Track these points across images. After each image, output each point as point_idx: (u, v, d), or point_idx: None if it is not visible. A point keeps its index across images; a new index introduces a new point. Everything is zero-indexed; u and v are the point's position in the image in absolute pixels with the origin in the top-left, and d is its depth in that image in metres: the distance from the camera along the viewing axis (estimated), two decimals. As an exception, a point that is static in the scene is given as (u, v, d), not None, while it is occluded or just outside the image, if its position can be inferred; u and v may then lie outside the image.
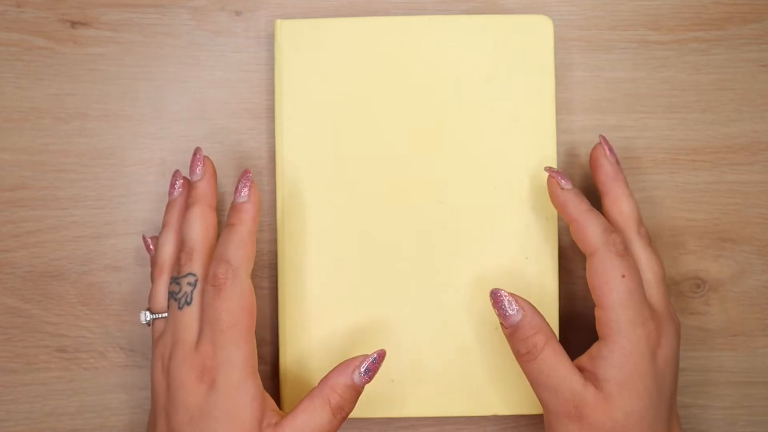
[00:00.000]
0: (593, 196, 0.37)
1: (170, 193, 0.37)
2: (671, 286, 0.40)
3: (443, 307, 0.37)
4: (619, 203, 0.35)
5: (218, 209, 0.37)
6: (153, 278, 0.36)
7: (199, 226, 0.35)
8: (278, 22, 0.38)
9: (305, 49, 0.38)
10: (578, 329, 0.39)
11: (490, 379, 0.37)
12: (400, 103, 0.38)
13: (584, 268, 0.34)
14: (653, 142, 0.40)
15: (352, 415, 0.35)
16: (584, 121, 0.40)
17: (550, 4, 0.40)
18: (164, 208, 0.39)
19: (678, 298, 0.40)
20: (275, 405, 0.33)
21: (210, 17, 0.40)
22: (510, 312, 0.33)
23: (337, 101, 0.38)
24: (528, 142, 0.37)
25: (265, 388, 0.33)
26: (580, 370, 0.33)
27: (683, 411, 0.40)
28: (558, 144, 0.38)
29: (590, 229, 0.33)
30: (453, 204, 0.37)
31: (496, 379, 0.37)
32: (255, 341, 0.33)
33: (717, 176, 0.40)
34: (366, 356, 0.33)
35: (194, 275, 0.34)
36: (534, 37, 0.38)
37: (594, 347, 0.33)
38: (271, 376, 0.39)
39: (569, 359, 0.33)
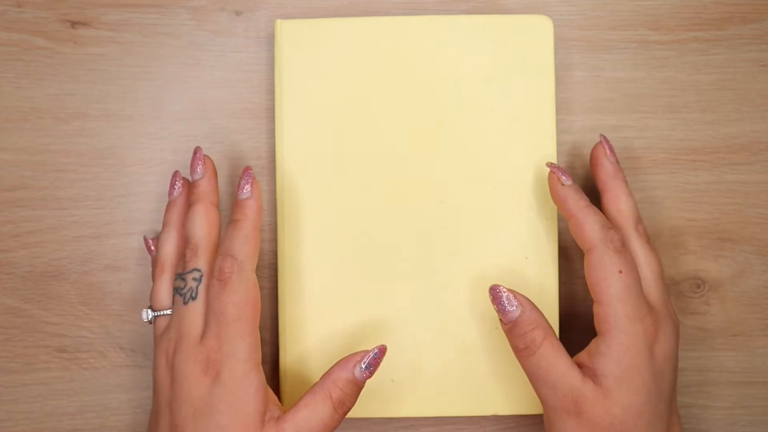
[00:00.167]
0: (594, 195, 0.37)
1: (170, 193, 0.37)
2: (671, 286, 0.40)
3: (443, 307, 0.37)
4: (618, 201, 0.36)
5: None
6: (154, 276, 0.36)
7: (203, 222, 0.35)
8: (278, 22, 0.38)
9: (305, 49, 0.38)
10: (578, 329, 0.39)
11: (490, 379, 0.37)
12: (400, 103, 0.38)
13: (584, 268, 0.34)
14: (653, 142, 0.40)
15: (352, 414, 0.35)
16: (584, 121, 0.40)
17: (550, 4, 0.40)
18: (164, 208, 0.39)
19: (678, 298, 0.40)
20: (277, 399, 0.34)
21: (210, 17, 0.40)
22: (509, 308, 0.33)
23: (337, 101, 0.38)
24: (528, 142, 0.38)
25: (265, 387, 0.33)
26: (579, 366, 0.33)
27: (683, 411, 0.40)
28: (558, 144, 0.38)
29: (588, 225, 0.34)
30: (453, 204, 0.37)
31: (496, 379, 0.37)
32: (259, 335, 0.33)
33: (717, 176, 0.40)
34: (367, 351, 0.34)
35: (199, 271, 0.34)
36: (534, 37, 0.38)
37: (592, 343, 0.33)
38: (271, 375, 0.39)
39: (568, 355, 0.33)
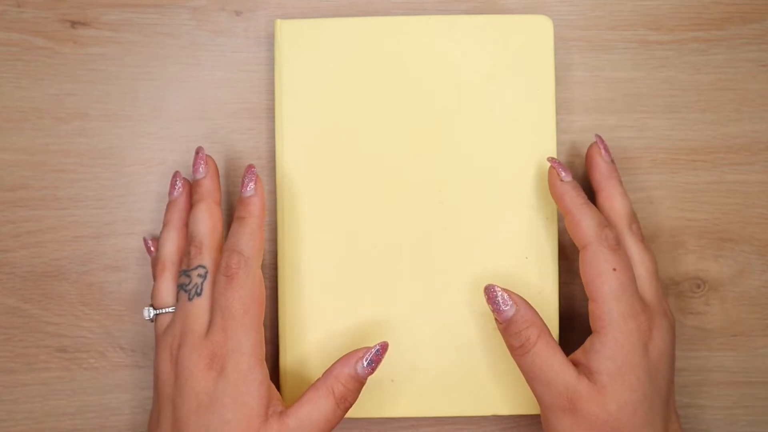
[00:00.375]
0: (592, 193, 0.37)
1: (170, 193, 0.37)
2: (671, 286, 0.40)
3: (443, 307, 0.37)
4: (612, 200, 0.36)
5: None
6: (155, 275, 0.36)
7: (207, 220, 0.35)
8: (278, 22, 0.38)
9: (305, 49, 0.38)
10: (578, 329, 0.39)
11: (490, 379, 0.37)
12: (400, 103, 0.38)
13: (579, 265, 0.34)
14: (653, 142, 0.40)
15: (352, 414, 0.35)
16: (584, 121, 0.40)
17: (550, 4, 0.40)
18: (164, 207, 0.39)
19: (678, 298, 0.40)
20: (279, 395, 0.34)
21: (210, 17, 0.40)
22: (503, 307, 0.33)
23: (337, 101, 0.38)
24: (528, 142, 0.38)
25: (266, 387, 0.33)
26: (575, 364, 0.33)
27: (683, 411, 0.40)
28: (558, 144, 0.38)
29: (584, 222, 0.34)
30: (453, 204, 0.37)
31: (496, 379, 0.37)
32: (263, 331, 0.34)
33: (717, 176, 0.40)
34: (369, 348, 0.34)
35: (204, 267, 0.34)
36: (534, 37, 0.38)
37: (587, 341, 0.34)
38: (272, 375, 0.39)
39: (563, 353, 0.33)
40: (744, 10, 0.40)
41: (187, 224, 0.37)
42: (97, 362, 0.40)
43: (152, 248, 0.38)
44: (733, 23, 0.40)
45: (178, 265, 0.36)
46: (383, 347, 0.34)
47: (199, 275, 0.34)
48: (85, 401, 0.40)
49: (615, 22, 0.40)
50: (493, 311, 0.34)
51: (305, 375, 0.37)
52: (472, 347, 0.37)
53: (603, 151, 0.37)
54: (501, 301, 0.34)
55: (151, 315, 0.35)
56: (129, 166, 0.40)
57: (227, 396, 0.32)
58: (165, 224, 0.37)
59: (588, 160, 0.37)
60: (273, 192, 0.39)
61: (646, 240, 0.40)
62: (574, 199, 0.35)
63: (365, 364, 0.34)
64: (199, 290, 0.34)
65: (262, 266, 0.39)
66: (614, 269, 0.33)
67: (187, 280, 0.34)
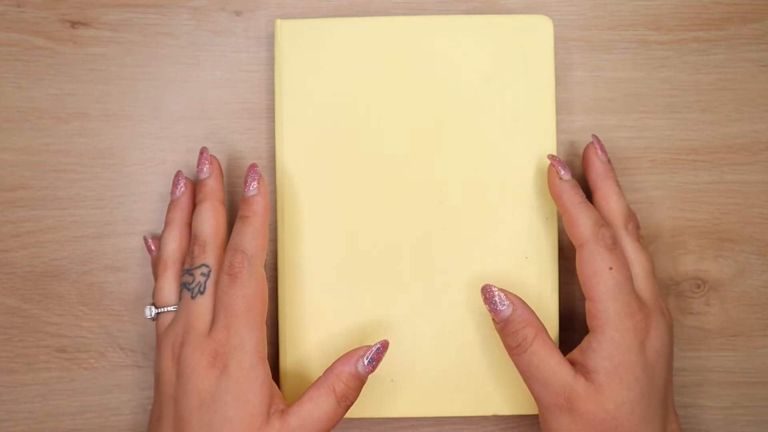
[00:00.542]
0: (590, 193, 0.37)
1: (173, 193, 0.37)
2: (671, 286, 0.40)
3: (443, 307, 0.37)
4: (608, 200, 0.36)
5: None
6: (157, 274, 0.36)
7: (211, 220, 0.35)
8: (278, 22, 0.38)
9: (305, 49, 0.38)
10: (578, 329, 0.39)
11: (490, 379, 0.37)
12: (400, 103, 0.38)
13: (576, 264, 0.35)
14: (653, 142, 0.40)
15: (352, 415, 0.35)
16: (584, 121, 0.40)
17: (550, 4, 0.40)
18: (164, 207, 0.39)
19: (678, 298, 0.40)
20: (281, 393, 0.34)
21: (210, 17, 0.40)
22: (500, 307, 0.34)
23: (337, 101, 0.38)
24: (528, 142, 0.38)
25: (266, 387, 0.33)
26: (572, 363, 0.33)
27: (683, 411, 0.40)
28: (558, 144, 0.38)
29: (581, 221, 0.34)
30: (453, 204, 0.37)
31: (496, 379, 0.37)
32: (266, 330, 0.34)
33: (717, 176, 0.40)
34: (369, 346, 0.34)
35: (207, 266, 0.34)
36: (534, 37, 0.38)
37: (584, 340, 0.34)
38: (272, 375, 0.39)
39: (560, 352, 0.33)
40: (744, 10, 0.40)
41: (189, 223, 0.37)
42: (97, 362, 0.40)
43: (152, 247, 0.38)
44: (733, 23, 0.40)
45: (180, 264, 0.36)
46: (384, 345, 0.34)
47: (203, 274, 0.34)
48: (85, 401, 0.40)
49: (615, 22, 0.40)
50: (490, 311, 0.34)
51: (305, 375, 0.37)
52: (472, 347, 0.37)
53: (599, 151, 0.37)
54: (498, 301, 0.34)
55: (153, 314, 0.36)
56: (129, 166, 0.40)
57: (230, 394, 0.32)
58: (167, 223, 0.37)
59: (584, 160, 0.37)
60: (273, 192, 0.39)
61: (645, 240, 0.40)
62: (572, 197, 0.35)
63: (366, 362, 0.34)
64: (202, 289, 0.34)
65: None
66: (610, 268, 0.33)
67: (190, 279, 0.34)
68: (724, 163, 0.40)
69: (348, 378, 0.33)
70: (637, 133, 0.40)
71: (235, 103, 0.40)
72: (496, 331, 0.37)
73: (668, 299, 0.40)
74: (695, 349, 0.40)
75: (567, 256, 0.40)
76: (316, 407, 0.33)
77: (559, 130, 0.39)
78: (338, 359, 0.34)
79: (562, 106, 0.40)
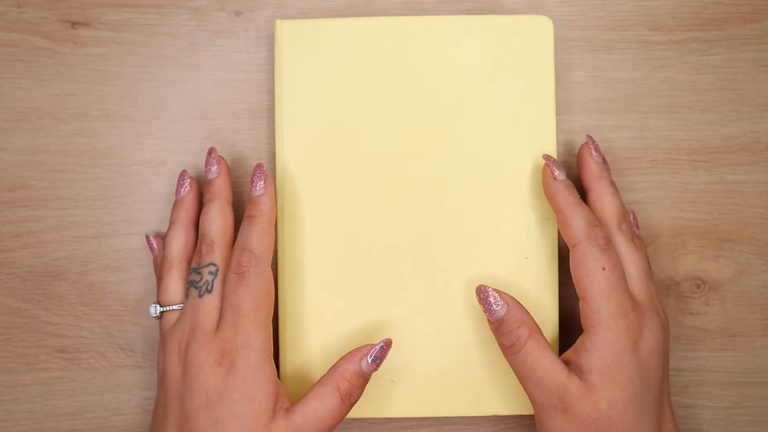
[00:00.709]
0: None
1: (177, 192, 0.38)
2: (671, 286, 0.40)
3: (443, 307, 0.37)
4: (602, 200, 0.36)
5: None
6: (162, 272, 0.36)
7: (219, 219, 0.36)
8: (278, 22, 0.38)
9: (305, 50, 0.38)
10: (578, 329, 0.39)
11: (490, 379, 0.37)
12: (400, 103, 0.38)
13: (570, 264, 0.35)
14: (653, 142, 0.40)
15: (352, 415, 0.35)
16: (584, 121, 0.40)
17: (550, 4, 0.40)
18: (165, 207, 0.39)
19: (678, 298, 0.40)
20: (285, 391, 0.34)
21: (210, 17, 0.40)
22: (495, 307, 0.34)
23: (337, 101, 0.38)
24: (528, 142, 0.38)
25: (266, 387, 0.33)
26: (566, 363, 0.34)
27: (683, 411, 0.40)
28: (558, 144, 0.38)
29: (575, 222, 0.34)
30: (453, 204, 0.37)
31: (496, 379, 0.37)
32: (272, 328, 0.34)
33: (717, 176, 0.40)
34: (373, 345, 0.34)
35: (215, 265, 0.35)
36: (534, 37, 0.38)
37: (578, 340, 0.34)
38: (271, 376, 0.39)
39: (554, 352, 0.34)
40: (744, 11, 0.40)
41: (193, 223, 0.37)
42: (97, 362, 0.40)
43: (154, 245, 0.38)
44: (733, 23, 0.40)
45: (185, 264, 0.36)
46: (387, 344, 0.35)
47: (211, 273, 0.35)
48: (85, 401, 0.40)
49: (615, 22, 0.40)
50: (485, 311, 0.35)
51: (305, 374, 0.37)
52: (472, 347, 0.37)
53: (594, 152, 0.37)
54: (492, 301, 0.34)
55: (158, 312, 0.36)
56: (129, 167, 0.40)
57: (237, 391, 0.32)
58: (172, 222, 0.37)
59: (579, 160, 0.37)
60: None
61: (644, 239, 0.40)
62: (566, 198, 0.35)
63: (370, 360, 0.34)
64: (210, 287, 0.34)
65: (262, 266, 0.39)
66: (603, 268, 0.33)
67: (198, 278, 0.35)
68: (724, 163, 0.40)
69: (352, 376, 0.34)
70: (637, 133, 0.40)
71: (235, 103, 0.40)
72: (496, 331, 0.37)
73: (668, 299, 0.40)
74: (695, 349, 0.40)
75: (567, 256, 0.40)
76: (320, 405, 0.33)
77: (559, 130, 0.39)
78: (342, 357, 0.34)
79: (562, 106, 0.40)
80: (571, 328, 0.39)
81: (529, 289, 0.37)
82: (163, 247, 0.37)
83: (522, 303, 0.36)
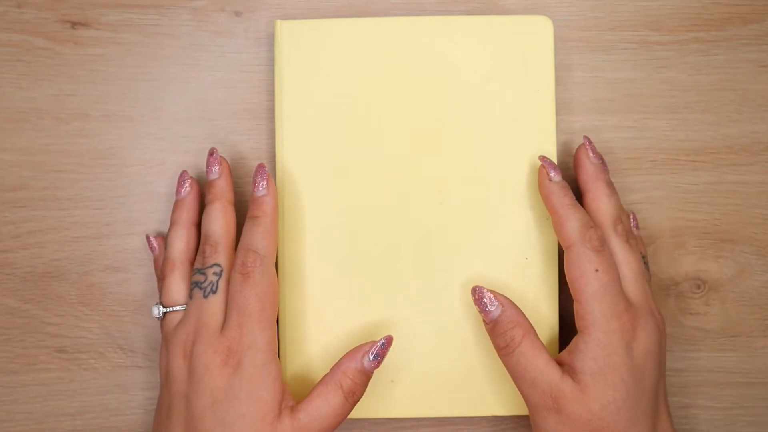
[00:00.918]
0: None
1: (178, 192, 0.38)
2: (671, 286, 0.40)
3: (443, 308, 0.37)
4: (598, 202, 0.36)
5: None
6: (164, 273, 0.36)
7: (222, 220, 0.36)
8: (278, 22, 0.38)
9: (305, 50, 0.38)
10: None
11: (490, 379, 0.37)
12: (400, 103, 0.38)
13: (564, 266, 0.35)
14: (653, 143, 0.40)
15: (352, 415, 0.35)
16: (584, 122, 0.40)
17: (550, 5, 0.40)
18: (165, 208, 0.39)
19: (678, 298, 0.40)
20: (290, 391, 0.34)
21: (210, 18, 0.40)
22: (490, 308, 0.34)
23: (337, 102, 0.38)
24: (528, 142, 0.38)
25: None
26: (560, 364, 0.34)
27: (683, 411, 0.40)
28: (558, 144, 0.38)
29: (569, 223, 0.34)
30: (453, 204, 0.37)
31: (496, 380, 0.37)
32: (276, 328, 0.34)
33: (717, 177, 0.40)
34: (374, 342, 0.35)
35: (219, 266, 0.35)
36: (534, 37, 0.38)
37: (573, 341, 0.34)
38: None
39: (548, 353, 0.34)
40: (744, 11, 0.40)
41: (195, 223, 0.37)
42: (97, 363, 0.40)
43: (155, 245, 0.38)
44: (733, 24, 0.40)
45: (187, 264, 0.36)
46: (388, 341, 0.35)
47: (215, 273, 0.35)
48: (85, 402, 0.40)
49: (615, 22, 0.40)
50: (480, 312, 0.35)
51: (306, 374, 0.37)
52: (472, 347, 0.37)
53: (590, 153, 0.37)
54: (487, 302, 0.34)
55: (161, 313, 0.36)
56: (129, 167, 0.40)
57: (243, 391, 0.32)
58: (173, 223, 0.37)
59: (575, 161, 0.37)
60: (273, 192, 0.39)
61: (644, 240, 0.40)
62: (561, 199, 0.35)
63: (371, 357, 0.34)
64: (214, 288, 0.34)
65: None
66: (597, 270, 0.33)
67: (202, 278, 0.35)
68: (724, 163, 0.40)
69: (354, 374, 0.34)
70: (637, 133, 0.40)
71: (235, 103, 0.40)
72: (495, 332, 0.37)
73: (668, 299, 0.40)
74: (695, 350, 0.40)
75: (567, 256, 0.40)
76: (324, 403, 0.33)
77: (559, 131, 0.39)
78: (344, 356, 0.34)
79: (562, 107, 0.40)
80: (571, 328, 0.39)
81: (529, 289, 0.37)
82: (165, 248, 0.37)
83: (522, 303, 0.36)
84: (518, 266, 0.37)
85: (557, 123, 0.38)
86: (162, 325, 0.36)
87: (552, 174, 0.36)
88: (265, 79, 0.40)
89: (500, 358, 0.35)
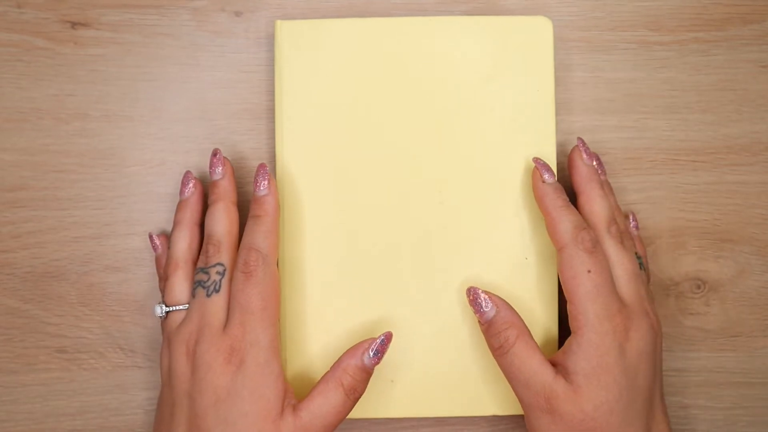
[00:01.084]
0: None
1: (182, 193, 0.38)
2: (671, 286, 0.40)
3: (443, 308, 0.37)
4: (592, 203, 0.36)
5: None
6: (168, 273, 0.36)
7: (225, 220, 0.36)
8: (278, 22, 0.38)
9: (305, 50, 0.38)
10: (578, 330, 0.39)
11: (489, 379, 0.37)
12: (400, 103, 0.38)
13: (557, 267, 0.35)
14: (653, 143, 0.40)
15: (352, 415, 0.35)
16: (584, 122, 0.40)
17: (550, 5, 0.40)
18: (164, 208, 0.39)
19: (678, 298, 0.40)
20: (292, 389, 0.35)
21: (210, 18, 0.40)
22: (485, 308, 0.35)
23: (337, 102, 0.38)
24: (528, 142, 0.38)
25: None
26: (554, 364, 0.34)
27: (683, 411, 0.40)
28: (558, 144, 0.38)
29: (562, 225, 0.35)
30: (453, 204, 0.37)
31: (495, 380, 0.37)
32: (278, 326, 0.34)
33: (717, 177, 0.40)
34: (374, 339, 0.35)
35: (222, 265, 0.35)
36: (534, 38, 0.38)
37: (566, 342, 0.34)
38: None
39: (542, 354, 0.34)
40: (744, 11, 0.40)
41: (198, 223, 0.37)
42: (96, 363, 0.40)
43: (158, 244, 0.38)
44: (733, 24, 0.40)
45: (190, 264, 0.36)
46: (388, 337, 0.35)
47: (218, 272, 0.35)
48: (84, 402, 0.40)
49: (615, 22, 0.40)
50: (475, 312, 0.35)
51: (306, 374, 0.37)
52: (472, 347, 0.37)
53: (584, 155, 0.37)
54: (482, 303, 0.35)
55: (164, 312, 0.36)
56: (129, 167, 0.40)
57: (246, 389, 0.33)
58: (177, 223, 0.37)
59: (569, 163, 0.37)
60: (273, 192, 0.39)
61: (644, 240, 0.40)
62: (554, 201, 0.35)
63: (372, 354, 0.34)
64: (217, 287, 0.35)
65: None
66: (589, 271, 0.33)
67: (205, 277, 0.35)
68: (724, 163, 0.40)
69: (355, 371, 0.34)
70: (637, 133, 0.40)
71: (235, 103, 0.40)
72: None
73: (668, 299, 0.40)
74: (695, 350, 0.40)
75: (567, 256, 0.40)
76: (325, 401, 0.33)
77: (559, 131, 0.39)
78: (344, 353, 0.35)
79: (562, 107, 0.40)
80: (570, 328, 0.39)
81: (529, 289, 0.37)
82: (168, 248, 0.37)
83: (521, 303, 0.36)
84: (518, 266, 0.37)
85: (557, 123, 0.38)
86: (164, 325, 0.36)
87: (545, 176, 0.36)
88: (265, 79, 0.40)
89: (495, 358, 0.35)
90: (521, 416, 0.39)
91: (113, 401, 0.40)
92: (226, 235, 0.36)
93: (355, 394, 0.34)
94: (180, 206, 0.38)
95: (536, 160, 0.36)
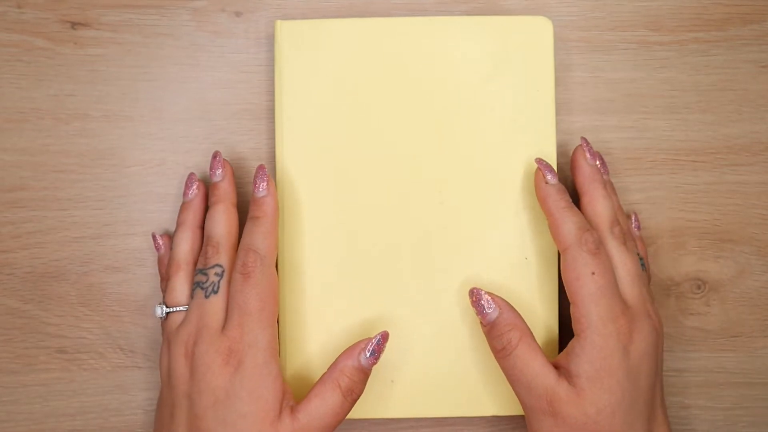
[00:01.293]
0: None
1: (185, 195, 0.38)
2: (671, 286, 0.40)
3: (443, 308, 0.37)
4: (594, 204, 0.36)
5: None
6: (170, 274, 0.36)
7: (225, 221, 0.36)
8: (278, 23, 0.38)
9: (305, 50, 0.38)
10: (578, 330, 0.39)
11: (489, 379, 0.37)
12: (400, 104, 0.38)
13: (560, 269, 0.35)
14: (653, 143, 0.40)
15: (352, 415, 0.35)
16: (584, 122, 0.40)
17: (550, 5, 0.40)
18: (164, 208, 0.39)
19: (678, 298, 0.40)
20: (290, 390, 0.34)
21: (210, 18, 0.40)
22: (487, 310, 0.34)
23: (337, 102, 0.38)
24: (528, 142, 0.38)
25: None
26: (557, 367, 0.34)
27: (683, 411, 0.40)
28: (558, 144, 0.38)
29: (565, 226, 0.34)
30: (453, 204, 0.37)
31: (495, 380, 0.37)
32: (277, 327, 0.34)
33: (717, 177, 0.40)
34: (370, 339, 0.35)
35: (221, 266, 0.35)
36: (534, 38, 0.38)
37: (569, 344, 0.34)
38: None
39: (544, 356, 0.34)
40: (744, 11, 0.40)
41: (200, 226, 0.37)
42: (96, 363, 0.40)
43: (161, 244, 0.38)
44: (733, 24, 0.40)
45: (192, 266, 0.36)
46: (384, 336, 0.35)
47: (217, 274, 0.35)
48: (85, 402, 0.40)
49: (615, 22, 0.40)
50: (477, 314, 0.35)
51: (306, 374, 0.37)
52: (472, 348, 0.37)
53: (587, 155, 0.37)
54: (485, 304, 0.34)
55: (164, 313, 0.36)
56: (129, 167, 0.40)
57: (244, 390, 0.33)
58: (179, 224, 0.37)
59: (572, 163, 0.37)
60: (273, 192, 0.39)
61: (645, 240, 0.40)
62: (557, 202, 0.35)
63: (368, 354, 0.34)
64: (216, 288, 0.35)
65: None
66: (593, 273, 0.33)
67: (204, 279, 0.35)
68: (724, 163, 0.40)
69: (352, 372, 0.34)
70: (637, 133, 0.40)
71: (235, 103, 0.40)
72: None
73: (668, 300, 0.40)
74: (695, 350, 0.40)
75: (567, 256, 0.40)
76: (322, 403, 0.33)
77: (559, 131, 0.39)
78: (341, 354, 0.35)
79: (562, 107, 0.40)
80: (570, 329, 0.39)
81: (529, 289, 0.37)
82: (171, 249, 0.37)
83: (521, 303, 0.36)
84: (518, 266, 0.37)
85: (557, 123, 0.38)
86: (164, 325, 0.36)
87: (548, 177, 0.36)
88: (265, 79, 0.40)
89: (497, 360, 0.35)
90: (521, 416, 0.39)
91: (113, 401, 0.40)
92: (225, 236, 0.36)
93: (352, 395, 0.34)
94: (183, 208, 0.38)
95: (539, 160, 0.36)
